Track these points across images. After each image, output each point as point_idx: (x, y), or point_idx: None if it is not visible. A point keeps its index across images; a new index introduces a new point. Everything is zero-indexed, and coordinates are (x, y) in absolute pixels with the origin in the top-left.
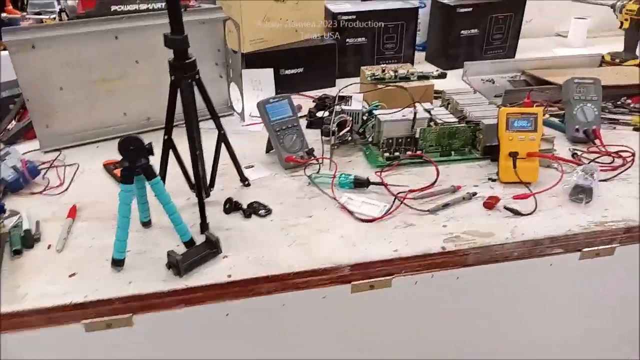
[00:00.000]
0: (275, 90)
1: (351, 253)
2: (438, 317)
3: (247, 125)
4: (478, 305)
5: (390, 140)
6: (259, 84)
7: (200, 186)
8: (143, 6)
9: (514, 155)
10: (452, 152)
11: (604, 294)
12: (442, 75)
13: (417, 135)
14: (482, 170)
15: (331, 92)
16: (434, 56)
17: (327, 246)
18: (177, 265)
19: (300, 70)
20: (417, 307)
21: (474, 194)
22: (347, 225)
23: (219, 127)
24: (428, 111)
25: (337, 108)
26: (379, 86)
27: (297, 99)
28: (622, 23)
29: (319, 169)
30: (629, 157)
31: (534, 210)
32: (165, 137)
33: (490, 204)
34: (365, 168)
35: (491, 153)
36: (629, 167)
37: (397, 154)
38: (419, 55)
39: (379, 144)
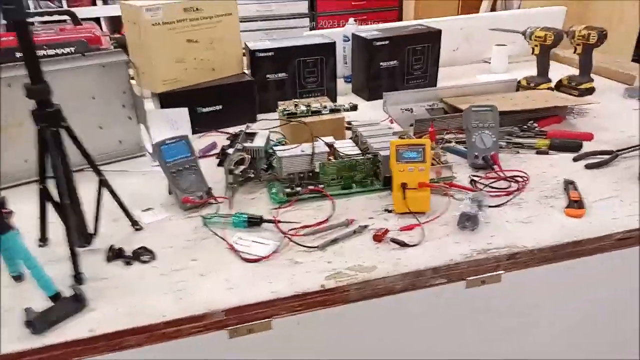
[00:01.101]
0: (193, 129)
1: (230, 296)
2: (323, 356)
3: (156, 165)
4: (363, 341)
5: (292, 176)
6: (175, 123)
7: (72, 236)
8: (51, 51)
9: (403, 186)
10: (354, 185)
11: (494, 320)
12: (353, 108)
13: (317, 170)
14: (382, 201)
15: (251, 128)
16: (359, 88)
17: (206, 291)
18: (33, 323)
19: (219, 107)
20: (301, 347)
21: (365, 226)
22: (232, 267)
23: (98, 173)
24: (329, 145)
25: (238, 145)
26: (292, 121)
27: (215, 137)
28: (533, 49)
29: (218, 209)
30: (524, 181)
31: (421, 241)
32: (41, 186)
33: (379, 236)
34: (267, 205)
35: (391, 183)
36: (520, 191)
37: (298, 189)
38: (347, 87)
39: (282, 180)
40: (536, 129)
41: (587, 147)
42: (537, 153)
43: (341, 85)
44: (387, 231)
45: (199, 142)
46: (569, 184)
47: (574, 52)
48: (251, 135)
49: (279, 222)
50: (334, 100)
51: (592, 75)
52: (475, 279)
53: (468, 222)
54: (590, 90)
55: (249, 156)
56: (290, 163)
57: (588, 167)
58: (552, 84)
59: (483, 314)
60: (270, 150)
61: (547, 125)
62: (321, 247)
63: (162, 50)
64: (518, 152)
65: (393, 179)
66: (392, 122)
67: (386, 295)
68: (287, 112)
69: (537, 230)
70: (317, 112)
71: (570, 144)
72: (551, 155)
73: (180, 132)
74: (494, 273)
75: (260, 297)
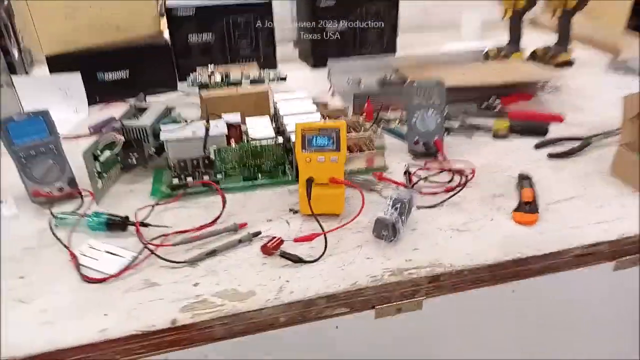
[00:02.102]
0: (93, 98)
1: (43, 335)
2: None
3: None
4: None
5: (183, 163)
6: (68, 91)
7: None
8: None
9: (309, 182)
10: (259, 175)
11: (411, 354)
12: (281, 79)
13: (212, 157)
14: (292, 197)
15: (167, 98)
16: (304, 54)
17: (14, 327)
18: None
19: (125, 74)
20: None
21: (257, 233)
22: (63, 290)
23: None
24: (233, 126)
25: (115, 123)
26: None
27: (120, 109)
28: (505, 12)
29: (81, 205)
30: (469, 174)
31: (322, 255)
32: None
33: (268, 248)
34: (150, 200)
35: None
36: (462, 188)
37: (190, 179)
38: (296, 53)
39: (173, 168)
40: (498, 107)
41: (555, 131)
42: (494, 137)
43: (289, 51)
44: (280, 241)
45: (97, 115)
46: (523, 179)
47: (551, 17)
48: (142, 110)
49: (146, 225)
50: (272, 67)
51: (574, 46)
52: (388, 306)
53: (385, 231)
54: (568, 63)
55: (122, 138)
56: (178, 147)
57: (551, 156)
58: (525, 54)
59: (399, 349)
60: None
61: (512, 103)
62: (191, 262)
63: (45, 4)
64: (471, 136)
65: (299, 171)
66: (333, 95)
67: (263, 330)
68: (198, 82)
69: (473, 241)
70: (236, 84)
71: (534, 127)
72: (511, 141)
73: (75, 102)
74: (414, 299)
75: (81, 338)
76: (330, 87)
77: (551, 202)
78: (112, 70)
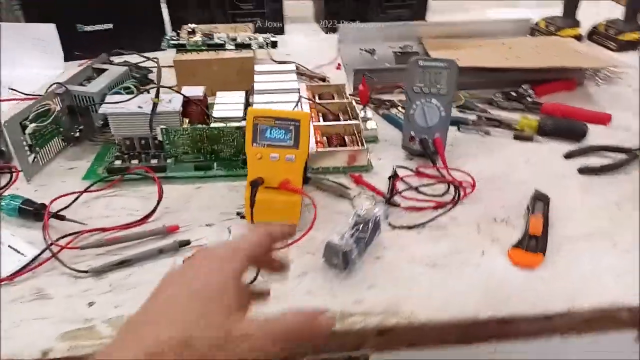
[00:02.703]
0: (72, 53)
1: None
2: None
3: None
4: None
5: (129, 142)
6: (43, 43)
7: None
8: None
9: (255, 184)
10: (215, 165)
11: None
12: (272, 45)
13: (160, 138)
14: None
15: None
16: (318, 15)
17: None
18: None
19: (109, 26)
20: None
21: (184, 243)
22: None
23: None
24: (195, 101)
25: (58, 88)
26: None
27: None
28: None
29: (9, 181)
30: (467, 188)
31: (252, 282)
32: None
33: None
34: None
35: None
36: (453, 205)
37: (135, 162)
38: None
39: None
40: (530, 97)
41: (595, 135)
42: (516, 138)
43: (305, 8)
44: None
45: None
46: (537, 200)
47: None
48: (101, 72)
49: (61, 218)
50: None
51: None
52: (326, 359)
53: (336, 259)
54: (634, 44)
55: (56, 106)
56: (121, 123)
57: (582, 171)
58: (581, 30)
59: None
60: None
61: (548, 93)
62: (95, 272)
63: None
64: (487, 133)
65: (248, 168)
66: (338, 68)
67: None
68: (174, 42)
69: (450, 282)
70: (218, 46)
71: (568, 128)
72: (537, 144)
73: (50, 56)
74: (359, 352)
75: None
76: (336, 57)
77: (566, 238)
78: (94, 22)
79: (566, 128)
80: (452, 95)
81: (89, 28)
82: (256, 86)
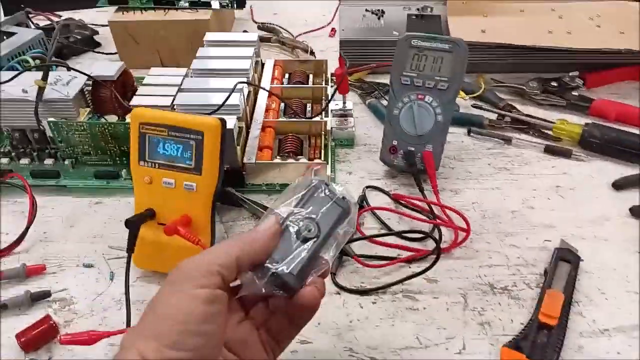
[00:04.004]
0: (13, 5)
1: None
2: None
3: None
4: None
5: (19, 135)
6: None
7: None
8: None
9: (131, 224)
10: (124, 173)
11: None
12: (238, 4)
13: (48, 134)
14: None
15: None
16: None
17: None
18: None
19: None
20: None
21: (42, 295)
22: None
23: None
24: (104, 84)
25: None
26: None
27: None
28: None
29: None
30: (461, 237)
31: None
32: None
33: (23, 342)
34: None
35: (226, 181)
36: (427, 267)
37: (25, 161)
38: None
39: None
40: (578, 90)
41: None
42: (546, 151)
43: None
44: (45, 333)
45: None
46: (560, 262)
47: None
48: (9, 36)
49: None
50: None
51: None
52: None
53: (276, 287)
54: None
55: None
56: (4, 111)
57: (637, 213)
58: None
59: None
60: None
61: (607, 82)
62: None
63: None
64: (508, 142)
65: (135, 194)
66: (332, 35)
67: None
68: None
69: None
70: (169, 3)
71: (623, 143)
72: (576, 162)
73: None
74: None
75: None
76: (331, 21)
77: (596, 333)
78: None
79: (620, 141)
80: (456, 91)
81: None
82: (194, 64)
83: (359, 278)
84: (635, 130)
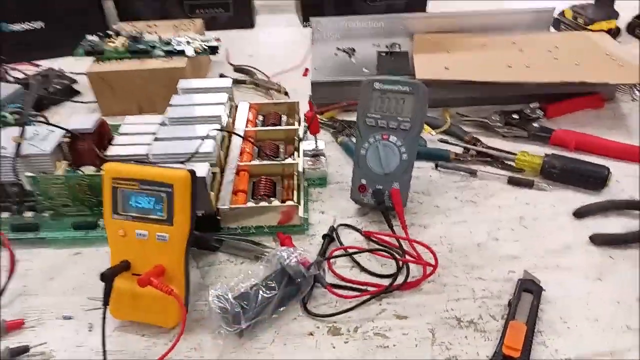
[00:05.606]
0: None
1: None
2: None
3: None
4: None
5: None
6: None
7: None
8: None
9: (105, 278)
10: (102, 222)
11: None
12: (211, 50)
13: (27, 187)
14: None
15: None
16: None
17: None
18: None
19: (41, 24)
20: None
21: (20, 351)
22: None
23: None
24: (81, 136)
25: None
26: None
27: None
28: None
29: None
30: (428, 271)
31: None
32: None
33: None
34: None
35: (201, 226)
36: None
37: (5, 215)
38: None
39: None
40: (538, 119)
41: (623, 182)
42: (510, 182)
43: None
44: None
45: None
46: (524, 291)
47: None
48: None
49: None
50: (246, 19)
51: None
52: None
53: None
54: None
55: None
56: None
57: (596, 240)
58: (618, 23)
59: None
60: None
61: (566, 111)
62: None
63: None
64: (473, 174)
65: (110, 248)
66: (305, 74)
67: None
68: (90, 45)
69: None
70: (144, 52)
71: (582, 172)
72: (536, 192)
73: None
74: None
75: None
76: (304, 60)
77: (557, 359)
78: (19, 20)
79: (578, 171)
80: (419, 130)
81: (15, 27)
82: (169, 112)
83: (329, 310)
84: (593, 159)
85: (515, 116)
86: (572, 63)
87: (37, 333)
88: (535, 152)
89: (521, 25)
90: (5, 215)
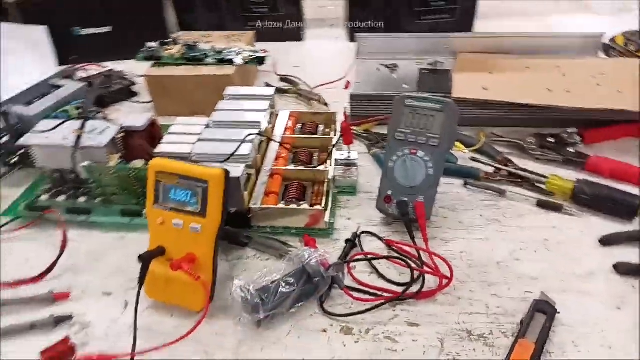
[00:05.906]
0: (65, 57)
1: None
2: None
3: None
4: None
5: (58, 175)
6: (37, 46)
7: None
8: None
9: (150, 255)
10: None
11: None
12: (258, 61)
13: (83, 176)
14: None
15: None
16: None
17: None
18: None
19: (108, 29)
20: None
21: (64, 318)
22: None
23: None
24: (134, 133)
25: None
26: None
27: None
28: None
29: None
30: (444, 283)
31: None
32: None
33: (47, 355)
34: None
35: (233, 223)
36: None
37: (62, 198)
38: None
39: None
40: (574, 146)
41: None
42: (539, 205)
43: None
44: (63, 354)
45: None
46: (537, 313)
47: None
48: (57, 88)
49: None
50: (295, 32)
51: None
52: None
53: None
54: None
55: None
56: (44, 156)
57: (620, 269)
58: None
59: None
60: None
61: (605, 139)
62: None
63: None
64: (502, 194)
65: (150, 234)
66: (347, 87)
67: None
68: (150, 52)
69: None
70: (197, 60)
71: (613, 200)
72: (564, 217)
73: (42, 60)
74: None
75: None
76: (347, 74)
77: None
78: (91, 24)
79: (609, 199)
80: (448, 147)
81: (85, 32)
82: (214, 115)
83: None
84: (628, 188)
85: (551, 139)
86: (614, 90)
87: (79, 305)
88: (568, 176)
89: (569, 50)
90: (61, 199)
